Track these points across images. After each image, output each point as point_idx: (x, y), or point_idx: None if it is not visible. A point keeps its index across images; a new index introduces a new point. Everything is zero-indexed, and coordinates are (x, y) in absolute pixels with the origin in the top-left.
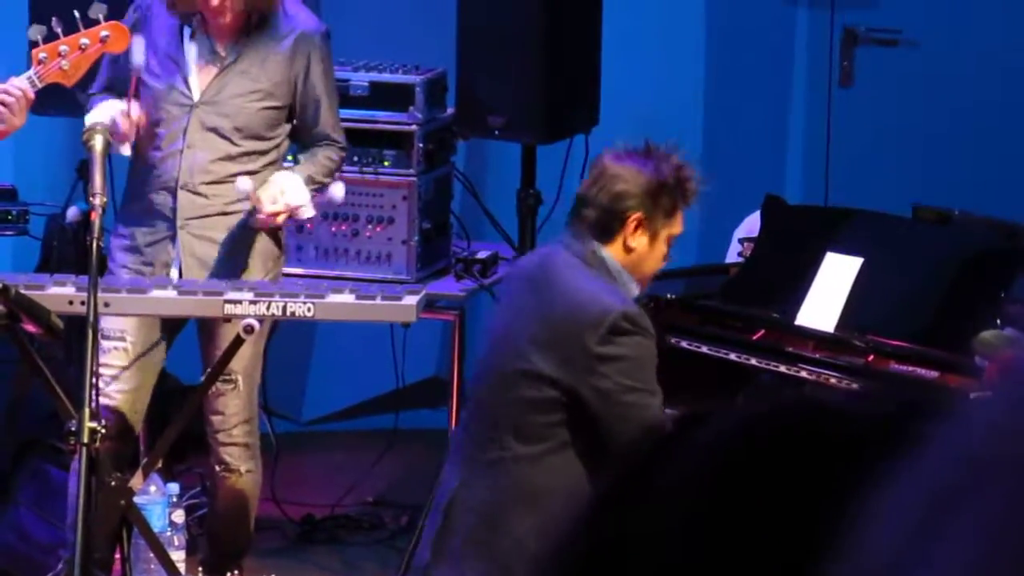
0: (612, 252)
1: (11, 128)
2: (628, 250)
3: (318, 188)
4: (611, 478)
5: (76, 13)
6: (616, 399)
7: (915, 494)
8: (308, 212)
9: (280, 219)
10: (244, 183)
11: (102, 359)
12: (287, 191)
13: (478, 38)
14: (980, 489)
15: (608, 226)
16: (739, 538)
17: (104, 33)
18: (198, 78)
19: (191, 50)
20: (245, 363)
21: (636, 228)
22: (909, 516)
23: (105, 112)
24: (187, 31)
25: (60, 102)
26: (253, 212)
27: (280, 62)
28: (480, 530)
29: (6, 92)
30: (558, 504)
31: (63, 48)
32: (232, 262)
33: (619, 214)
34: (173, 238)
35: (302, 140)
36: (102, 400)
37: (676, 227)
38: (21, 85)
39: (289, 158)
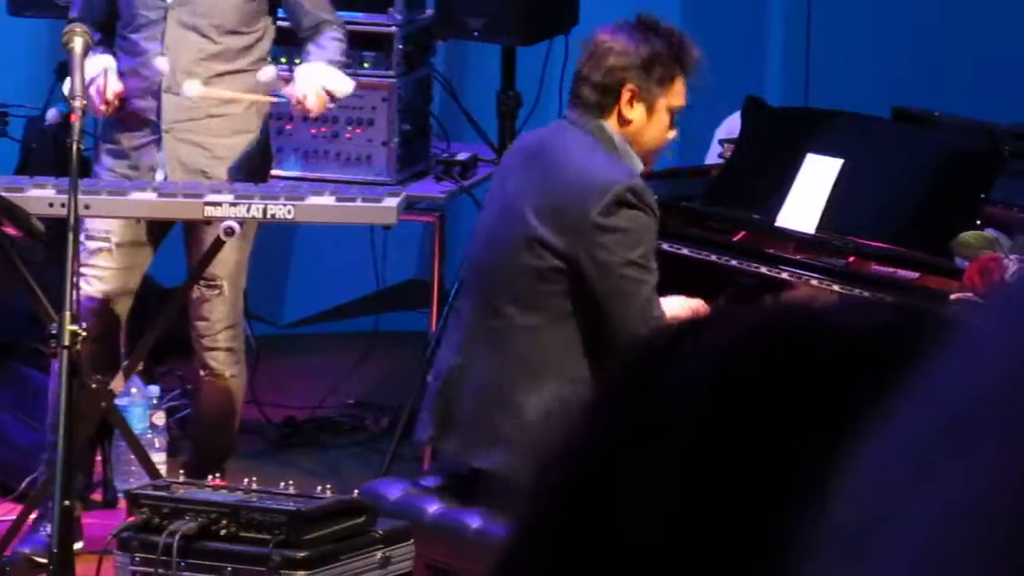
0: (611, 124)
1: None
2: (625, 122)
3: (339, 66)
4: (616, 369)
5: None
6: (612, 270)
7: (920, 425)
8: (347, 86)
9: (316, 103)
10: (267, 73)
11: (88, 259)
12: (322, 78)
13: None
14: (993, 419)
15: (603, 101)
16: (738, 445)
17: None
18: None
19: None
20: (230, 269)
21: (631, 99)
22: (909, 451)
23: (94, 68)
24: None
25: (39, 3)
26: (296, 105)
27: None
28: (485, 409)
29: None
30: (559, 380)
31: None
32: (219, 168)
33: (612, 86)
34: (158, 142)
35: (300, 33)
36: (84, 300)
37: (676, 98)
38: None
39: (296, 61)
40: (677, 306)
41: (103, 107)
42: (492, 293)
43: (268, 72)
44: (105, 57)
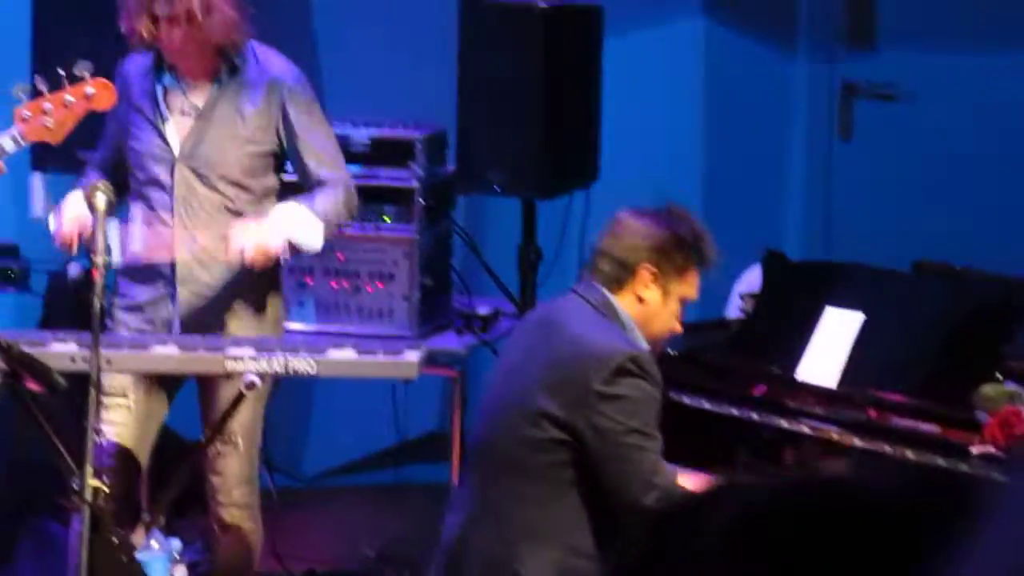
0: (624, 303)
1: None
2: (640, 300)
3: (324, 218)
4: (633, 539)
5: (60, 71)
6: (614, 439)
7: None
8: (315, 246)
9: (255, 255)
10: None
11: (104, 414)
12: (289, 230)
13: (478, 94)
14: None
15: (621, 276)
16: None
17: (89, 90)
18: (176, 132)
19: (167, 104)
20: (245, 424)
21: (649, 280)
22: None
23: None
24: (159, 88)
25: (62, 159)
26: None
27: (255, 109)
28: (489, 574)
29: None
30: (562, 550)
31: (47, 106)
32: (233, 322)
33: (632, 265)
34: (173, 296)
35: (301, 183)
36: (103, 456)
37: (689, 290)
38: None
39: None
40: (688, 482)
41: (62, 234)
42: (494, 464)
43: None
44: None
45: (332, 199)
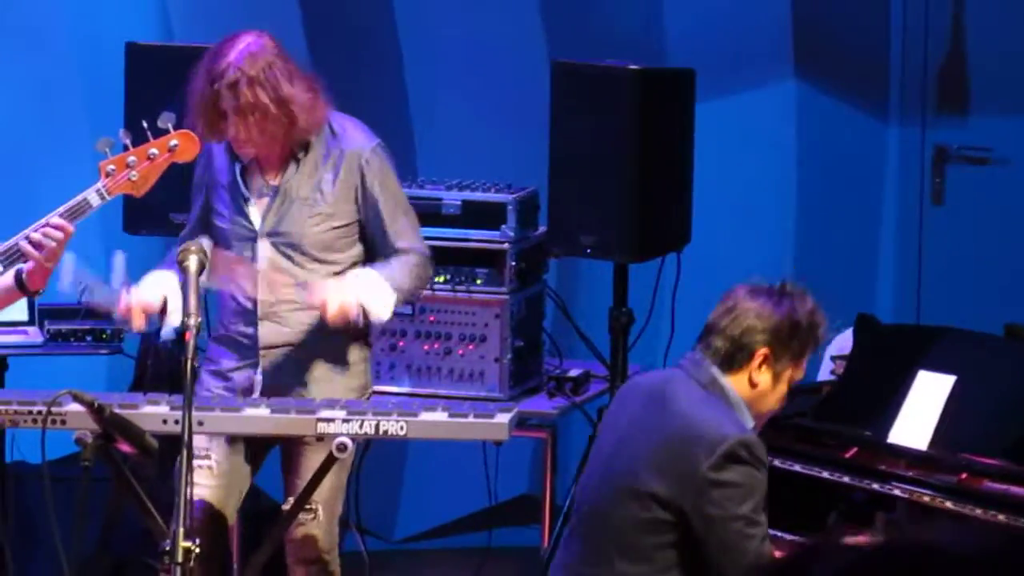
0: (735, 384)
1: (49, 266)
2: (752, 384)
3: (396, 288)
4: None
5: (144, 123)
6: (721, 526)
7: None
8: (383, 316)
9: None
10: (300, 294)
11: None
12: (362, 292)
13: (570, 156)
14: None
15: (734, 357)
16: None
17: (173, 142)
18: (258, 209)
19: (246, 184)
20: (326, 494)
21: (762, 363)
22: None
23: (155, 282)
24: (238, 167)
25: (154, 222)
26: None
27: (334, 183)
28: None
29: (46, 235)
30: None
31: (131, 159)
32: (316, 390)
33: (747, 347)
34: (255, 365)
35: (377, 254)
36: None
37: (800, 373)
38: (62, 224)
39: None
40: None
41: (124, 309)
42: (599, 538)
43: (300, 293)
44: (169, 276)
45: (407, 269)
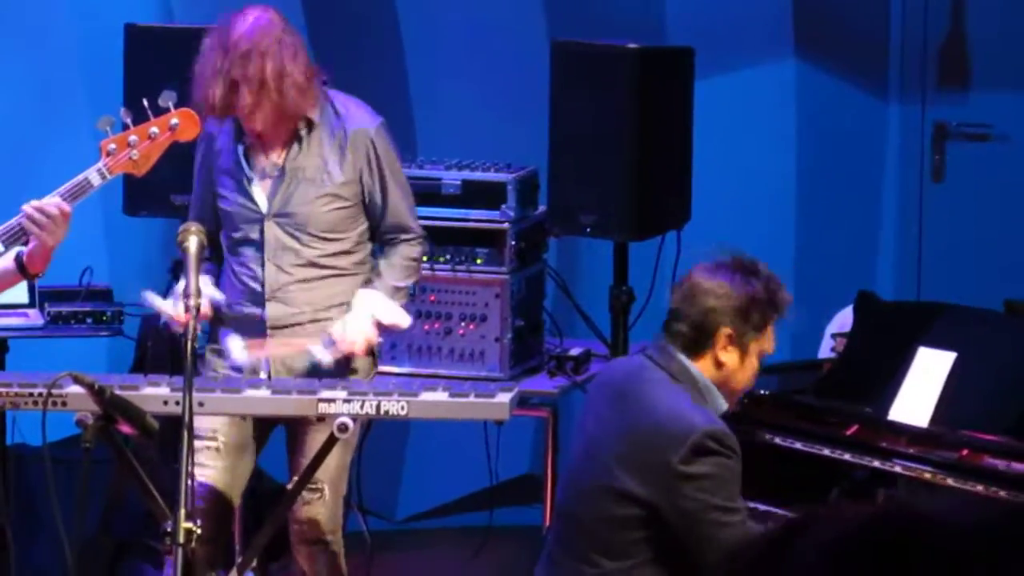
0: (701, 367)
1: (50, 244)
2: (719, 365)
3: (404, 291)
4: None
5: (144, 102)
6: (697, 517)
7: None
8: (403, 323)
9: (363, 346)
10: (320, 354)
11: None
12: (376, 314)
13: (569, 135)
14: None
15: (698, 341)
16: None
17: (174, 121)
18: (263, 191)
19: (250, 164)
20: (331, 473)
21: (727, 343)
22: None
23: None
24: (241, 148)
25: (153, 203)
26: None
27: (339, 163)
28: None
29: (40, 210)
30: None
31: (132, 138)
32: (323, 373)
33: (709, 329)
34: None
35: (379, 236)
36: (193, 499)
37: (767, 343)
38: (58, 203)
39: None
40: None
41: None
42: (579, 540)
43: (318, 352)
44: (203, 280)
45: (402, 266)
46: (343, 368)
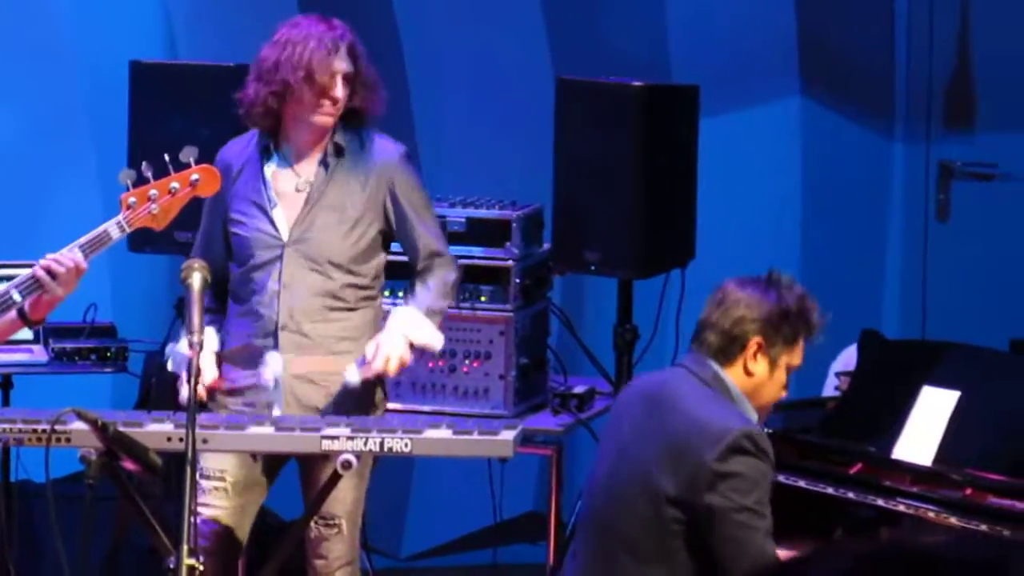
0: (732, 375)
1: (57, 298)
2: (748, 373)
3: (439, 313)
4: None
5: (166, 157)
6: (726, 517)
7: None
8: (436, 344)
9: (396, 365)
10: (352, 375)
11: (201, 498)
12: (408, 333)
13: (574, 173)
14: None
15: (728, 349)
16: None
17: (195, 176)
18: (284, 216)
19: (276, 188)
20: (348, 507)
21: (756, 352)
22: None
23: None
24: (268, 170)
25: (158, 240)
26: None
27: (364, 192)
28: None
29: (57, 262)
30: None
31: (152, 192)
32: (335, 407)
33: (740, 338)
34: (275, 380)
35: (413, 264)
36: (200, 539)
37: (796, 358)
38: (74, 257)
39: (399, 294)
40: None
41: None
42: (611, 543)
43: (352, 374)
44: (207, 333)
45: (439, 289)
46: (366, 403)
